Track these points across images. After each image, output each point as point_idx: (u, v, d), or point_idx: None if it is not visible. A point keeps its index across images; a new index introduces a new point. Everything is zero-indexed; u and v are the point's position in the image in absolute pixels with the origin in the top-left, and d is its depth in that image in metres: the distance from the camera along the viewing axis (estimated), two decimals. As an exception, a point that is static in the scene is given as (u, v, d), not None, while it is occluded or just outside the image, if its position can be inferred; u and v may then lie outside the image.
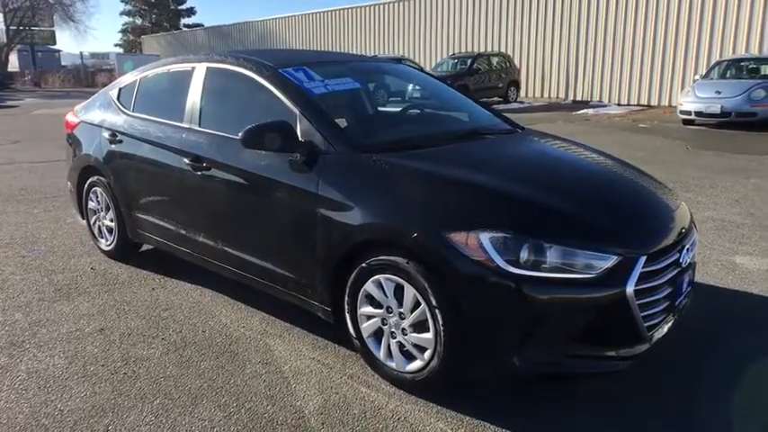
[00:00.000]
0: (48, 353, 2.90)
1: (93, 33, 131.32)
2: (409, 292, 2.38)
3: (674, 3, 16.84)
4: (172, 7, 54.02)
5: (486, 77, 18.71)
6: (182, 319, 3.29)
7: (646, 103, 17.67)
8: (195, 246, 3.44)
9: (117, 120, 3.98)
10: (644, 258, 2.25)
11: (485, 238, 2.18)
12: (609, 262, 2.18)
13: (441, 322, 2.28)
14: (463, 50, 21.86)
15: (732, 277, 3.81)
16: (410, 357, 2.48)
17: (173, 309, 3.42)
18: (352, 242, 2.53)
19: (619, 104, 18.06)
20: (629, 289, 2.18)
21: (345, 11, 27.41)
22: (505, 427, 2.26)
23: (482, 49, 21.43)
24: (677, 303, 2.50)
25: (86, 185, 4.31)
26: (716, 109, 11.44)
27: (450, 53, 21.32)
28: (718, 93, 11.55)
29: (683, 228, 2.57)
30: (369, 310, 2.58)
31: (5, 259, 4.33)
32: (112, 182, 3.99)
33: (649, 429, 2.25)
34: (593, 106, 17.71)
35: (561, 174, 2.77)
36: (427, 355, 2.39)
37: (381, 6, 25.60)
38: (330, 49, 28.25)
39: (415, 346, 2.43)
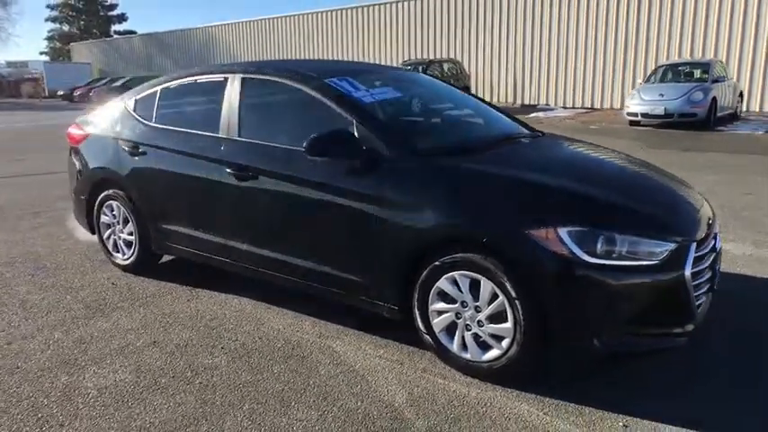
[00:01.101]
0: (108, 368, 2.86)
1: (15, 40, 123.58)
2: (486, 286, 2.54)
3: (612, 12, 17.87)
4: (101, 13, 51.97)
5: (437, 83, 19.16)
6: (232, 327, 3.31)
7: (590, 106, 18.64)
8: (237, 254, 3.46)
9: (137, 131, 3.94)
10: (695, 245, 2.52)
11: (563, 232, 2.38)
12: (668, 249, 2.43)
13: (521, 312, 2.46)
14: (415, 57, 22.26)
15: (723, 263, 4.19)
16: (486, 347, 2.64)
17: (218, 318, 3.43)
18: (425, 242, 2.67)
19: (564, 107, 18.97)
20: (687, 272, 2.44)
21: (294, 18, 27.35)
22: (584, 404, 2.46)
23: (433, 56, 21.91)
24: (714, 285, 2.78)
25: (99, 200, 4.22)
26: (660, 111, 12.28)
27: (403, 60, 21.66)
28: (662, 95, 12.40)
29: (710, 218, 2.87)
30: (441, 305, 2.72)
31: (15, 279, 4.17)
32: (134, 194, 3.94)
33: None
34: (542, 110, 18.51)
35: (608, 173, 3.02)
36: (505, 343, 2.56)
37: (331, 13, 25.74)
38: (279, 56, 28.07)
39: (492, 336, 2.60)
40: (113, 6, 52.55)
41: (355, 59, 24.25)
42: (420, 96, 3.67)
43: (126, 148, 3.94)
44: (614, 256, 2.37)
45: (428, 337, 2.81)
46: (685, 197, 2.93)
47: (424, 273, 2.71)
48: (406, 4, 23.17)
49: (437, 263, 2.66)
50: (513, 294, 2.46)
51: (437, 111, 3.69)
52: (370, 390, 2.63)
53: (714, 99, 12.23)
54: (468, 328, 2.67)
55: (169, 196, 3.77)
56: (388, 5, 23.76)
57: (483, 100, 4.11)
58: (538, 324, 2.45)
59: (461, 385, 2.65)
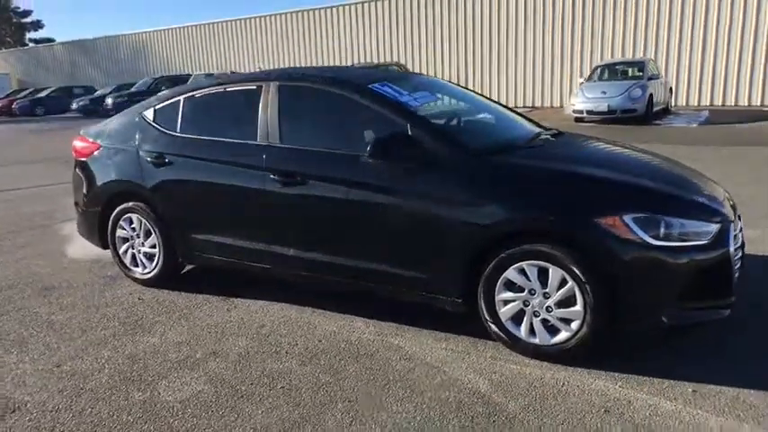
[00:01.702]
0: (179, 381, 2.83)
1: None
2: (555, 274, 2.73)
3: (548, 15, 18.76)
4: (15, 20, 48.82)
5: (384, 86, 19.40)
6: (286, 333, 3.33)
7: (531, 105, 19.47)
8: (282, 260, 3.48)
9: (161, 142, 3.86)
10: (732, 225, 2.81)
11: (629, 219, 2.60)
12: (714, 229, 2.71)
13: (591, 295, 2.66)
14: (361, 61, 22.42)
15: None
16: (554, 331, 2.82)
17: (268, 326, 3.43)
18: (493, 236, 2.83)
19: (506, 107, 19.68)
20: (731, 248, 2.73)
21: (235, 22, 26.84)
22: (651, 376, 2.69)
23: (377, 60, 22.16)
24: (742, 261, 3.10)
25: (115, 213, 4.09)
26: (604, 107, 13.04)
27: (351, 64, 21.76)
28: (604, 93, 13.18)
29: (732, 202, 3.20)
30: (508, 295, 2.88)
31: (27, 301, 3.97)
32: (160, 205, 3.86)
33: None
34: (487, 109, 19.14)
35: (645, 165, 3.29)
36: (575, 325, 2.75)
37: (274, 18, 25.47)
38: (218, 63, 27.45)
39: (561, 319, 2.79)
40: (27, 13, 49.56)
41: (302, 64, 24.15)
42: (454, 99, 3.82)
43: (149, 159, 3.86)
44: (673, 238, 2.62)
45: (494, 326, 2.96)
46: (712, 184, 3.23)
47: (491, 265, 2.86)
48: (351, 8, 23.31)
49: (504, 255, 2.82)
50: (583, 279, 2.66)
51: (469, 112, 3.85)
52: (450, 379, 2.75)
53: (651, 95, 13.14)
54: (536, 314, 2.85)
55: (201, 205, 3.72)
56: (333, 9, 23.82)
57: (492, 100, 4.32)
58: (608, 305, 2.66)
59: (534, 369, 2.82)
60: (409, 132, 3.01)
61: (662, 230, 2.60)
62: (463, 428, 2.37)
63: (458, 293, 3.00)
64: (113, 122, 4.28)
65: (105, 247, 4.31)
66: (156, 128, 3.94)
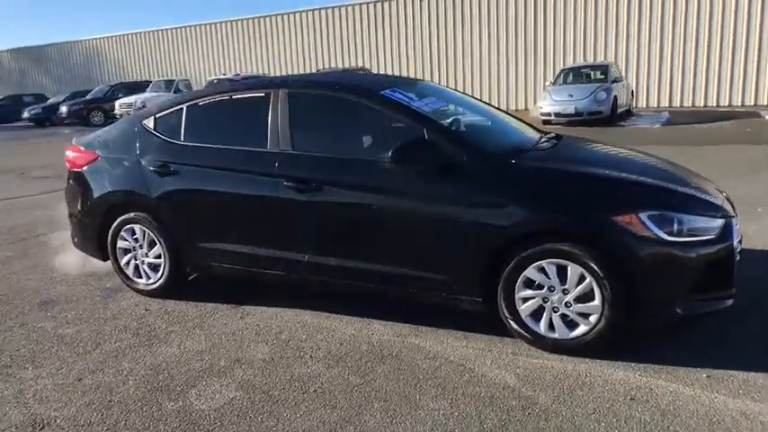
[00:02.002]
0: (209, 389, 2.83)
1: None
2: (575, 271, 2.86)
3: (511, 21, 19.21)
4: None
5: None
6: (305, 338, 3.36)
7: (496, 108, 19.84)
8: (296, 266, 3.50)
9: (165, 150, 3.83)
10: (734, 220, 3.01)
11: (644, 216, 2.75)
12: (720, 224, 2.89)
13: (609, 289, 2.80)
14: (323, 67, 22.41)
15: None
16: (573, 326, 2.95)
17: (286, 331, 3.45)
18: (513, 236, 2.94)
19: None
20: (735, 242, 2.92)
21: (193, 28, 26.42)
22: (666, 364, 2.85)
23: (341, 66, 22.20)
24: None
25: (116, 224, 4.03)
26: (571, 110, 13.45)
27: (316, 69, 21.72)
28: (571, 96, 13.60)
29: (729, 199, 3.40)
30: (528, 292, 3.00)
31: (28, 315, 3.87)
32: (165, 215, 3.83)
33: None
34: (454, 113, 19.45)
35: (651, 166, 3.45)
36: (593, 319, 2.89)
37: (232, 24, 25.21)
38: (176, 69, 26.98)
39: (580, 314, 2.92)
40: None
41: (264, 70, 23.98)
42: (454, 104, 3.93)
43: (152, 169, 3.82)
44: (684, 233, 2.79)
45: (514, 323, 3.07)
46: (708, 182, 3.43)
47: (511, 264, 2.97)
48: (314, 13, 23.30)
49: (524, 254, 2.93)
50: (602, 275, 2.79)
51: (473, 116, 3.96)
52: (477, 376, 2.84)
53: (615, 98, 13.63)
54: (555, 310, 2.97)
55: (210, 214, 3.71)
56: (294, 15, 23.75)
57: (487, 104, 4.45)
58: (624, 299, 2.80)
59: (555, 362, 2.94)
60: (429, 137, 3.10)
61: (675, 227, 2.76)
62: (502, 422, 2.46)
63: (478, 293, 3.10)
64: (110, 132, 4.22)
65: (105, 258, 4.24)
66: (159, 137, 3.91)
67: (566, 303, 2.93)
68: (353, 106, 3.38)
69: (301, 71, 23.60)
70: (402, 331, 3.37)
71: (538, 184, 2.98)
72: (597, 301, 2.85)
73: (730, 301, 2.99)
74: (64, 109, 23.02)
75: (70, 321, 3.76)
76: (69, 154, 4.27)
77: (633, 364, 2.87)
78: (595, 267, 2.80)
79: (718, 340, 3.09)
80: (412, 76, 21.21)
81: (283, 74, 23.70)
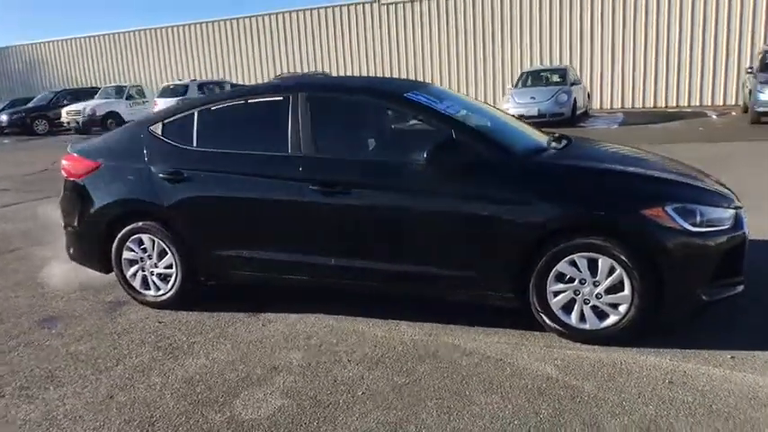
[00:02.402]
0: (254, 398, 2.78)
1: None
2: (605, 263, 2.98)
3: (469, 26, 19.63)
4: None
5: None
6: (336, 341, 3.34)
7: (456, 111, 20.22)
8: (322, 270, 3.48)
9: (176, 157, 3.74)
10: (742, 210, 3.20)
11: (670, 209, 2.90)
12: (732, 215, 3.08)
13: (638, 279, 2.93)
14: (282, 72, 22.22)
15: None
16: (603, 316, 3.07)
17: (314, 336, 3.42)
18: (546, 232, 3.03)
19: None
20: (746, 230, 3.11)
21: (145, 32, 25.65)
22: (693, 348, 3.00)
23: (300, 70, 22.08)
24: None
25: (121, 235, 3.89)
26: (534, 112, 13.85)
27: (276, 74, 21.51)
28: (533, 98, 14.01)
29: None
30: (560, 286, 3.09)
31: (30, 334, 3.68)
32: (178, 223, 3.73)
33: (766, 328, 3.21)
34: (415, 117, 19.69)
35: (662, 163, 3.61)
36: (623, 308, 3.01)
37: (188, 28, 24.64)
38: (125, 74, 26.13)
39: (610, 305, 3.03)
40: None
41: (220, 75, 23.55)
42: (466, 107, 4.00)
43: (164, 176, 3.72)
44: (704, 224, 2.95)
45: (545, 316, 3.16)
46: (710, 176, 3.63)
47: (543, 259, 3.06)
48: (270, 17, 23.09)
49: (556, 249, 3.03)
50: (631, 266, 2.92)
51: (486, 118, 4.03)
52: (519, 369, 2.91)
53: (575, 100, 14.13)
54: (586, 302, 3.08)
55: (229, 220, 3.64)
56: (249, 19, 23.46)
57: (492, 107, 4.56)
58: (653, 288, 2.94)
59: (589, 352, 3.04)
60: (459, 138, 3.16)
61: (698, 218, 2.92)
62: (556, 411, 2.54)
63: (509, 289, 3.17)
64: (112, 139, 4.08)
65: (108, 271, 4.10)
66: (169, 143, 3.80)
67: (596, 295, 3.05)
68: (377, 109, 3.41)
69: (259, 76, 23.33)
70: (432, 330, 3.41)
71: (567, 180, 3.09)
72: (627, 291, 2.97)
73: (741, 287, 3.17)
74: (4, 118, 21.89)
75: (80, 338, 3.60)
76: (66, 163, 4.10)
77: (661, 350, 3.00)
78: (625, 259, 2.92)
79: (729, 325, 3.27)
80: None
81: (240, 79, 23.36)
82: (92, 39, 27.26)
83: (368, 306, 3.70)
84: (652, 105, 17.62)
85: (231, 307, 3.91)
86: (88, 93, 22.91)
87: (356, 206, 3.33)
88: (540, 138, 3.82)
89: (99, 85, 24.46)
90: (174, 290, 3.88)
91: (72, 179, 4.05)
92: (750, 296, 3.35)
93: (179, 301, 3.91)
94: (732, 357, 2.91)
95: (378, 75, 21.51)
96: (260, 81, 22.74)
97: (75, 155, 4.08)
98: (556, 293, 3.11)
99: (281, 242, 3.57)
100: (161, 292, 3.93)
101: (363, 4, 22.09)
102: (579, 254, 3.01)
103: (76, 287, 4.50)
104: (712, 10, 16.65)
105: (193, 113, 3.82)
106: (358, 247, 3.41)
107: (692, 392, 2.62)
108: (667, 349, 3.01)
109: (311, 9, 22.87)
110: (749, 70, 13.29)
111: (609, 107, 18.12)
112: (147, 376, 3.07)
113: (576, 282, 3.07)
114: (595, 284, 3.03)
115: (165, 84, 21.32)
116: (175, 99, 19.61)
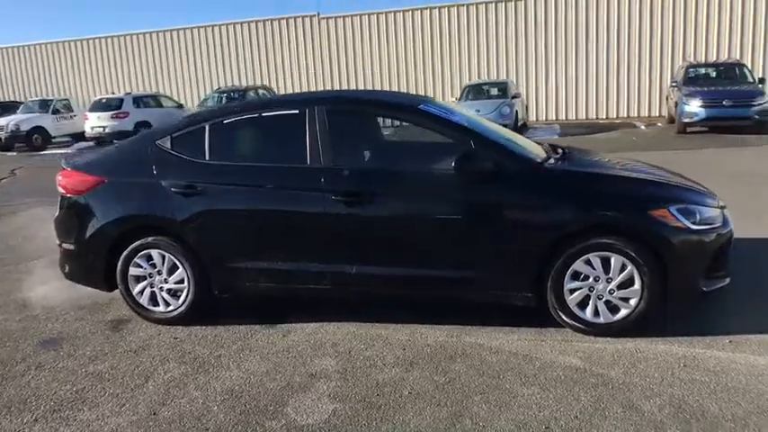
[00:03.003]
0: (306, 404, 2.84)
1: None
2: (617, 261, 3.26)
3: (410, 37, 20.15)
4: None
5: (256, 110, 19.21)
6: (364, 347, 3.43)
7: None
8: (342, 278, 3.57)
9: (189, 171, 3.72)
10: (726, 209, 3.59)
11: (674, 210, 3.23)
12: (720, 214, 3.45)
13: (647, 274, 3.23)
14: (220, 85, 21.79)
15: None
16: (615, 310, 3.35)
17: (339, 344, 3.49)
18: (564, 233, 3.28)
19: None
20: (732, 227, 3.50)
21: (71, 44, 24.34)
22: (694, 335, 3.32)
23: (239, 83, 21.79)
24: None
25: (129, 251, 3.81)
26: (480, 123, 14.39)
27: (215, 87, 21.07)
28: (478, 111, 14.45)
29: None
30: (576, 284, 3.35)
31: (37, 356, 3.53)
32: (192, 237, 3.71)
33: (749, 314, 3.60)
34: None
35: (652, 168, 3.95)
36: (633, 302, 3.30)
37: (117, 39, 23.73)
38: (51, 87, 24.76)
39: (622, 299, 3.32)
40: None
41: (152, 88, 22.82)
42: (467, 119, 4.21)
43: (176, 190, 3.69)
44: (702, 222, 3.30)
45: (562, 313, 3.40)
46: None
47: (561, 259, 3.31)
48: (205, 30, 22.66)
49: (573, 250, 3.28)
50: (641, 262, 3.22)
51: (489, 130, 4.26)
52: (547, 362, 3.13)
53: (516, 112, 14.82)
54: (599, 297, 3.34)
55: (245, 233, 3.67)
56: (186, 31, 22.92)
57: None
58: (660, 281, 3.25)
59: (605, 344, 3.31)
60: (480, 148, 3.36)
61: (697, 217, 3.27)
62: (594, 397, 2.76)
63: (530, 288, 3.40)
64: (115, 153, 4.01)
65: (111, 289, 3.99)
66: (180, 156, 3.78)
67: (609, 291, 3.32)
68: (394, 121, 3.56)
69: (196, 89, 22.81)
70: (452, 332, 3.57)
71: (582, 186, 3.37)
72: (637, 286, 3.27)
73: (728, 279, 3.55)
74: None
75: (94, 358, 3.50)
76: (64, 179, 3.97)
77: (668, 339, 3.32)
78: (635, 256, 3.22)
79: (721, 312, 3.64)
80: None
81: (177, 93, 22.75)
82: (13, 50, 25.65)
83: (379, 313, 3.80)
84: (584, 117, 18.72)
85: (243, 320, 3.91)
86: (7, 107, 21.53)
87: (381, 215, 3.46)
88: (537, 147, 4.10)
89: (21, 100, 23.05)
90: (185, 305, 3.84)
91: (72, 195, 3.92)
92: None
93: (189, 317, 3.87)
94: (730, 342, 3.26)
95: (318, 89, 21.61)
96: (197, 95, 22.29)
97: (74, 171, 3.96)
98: (572, 291, 3.36)
99: (301, 252, 3.63)
100: (170, 308, 3.87)
101: (303, 17, 22.14)
102: (594, 253, 3.28)
103: (66, 307, 4.34)
104: (636, 29, 18.00)
105: (204, 127, 3.82)
106: (383, 254, 3.53)
107: (706, 373, 2.92)
108: (672, 337, 3.33)
109: (249, 22, 22.64)
110: (673, 84, 14.46)
111: (544, 119, 19.09)
112: (184, 390, 3.04)
113: (591, 279, 3.33)
114: (608, 281, 3.31)
115: (97, 97, 20.44)
116: (109, 113, 18.99)
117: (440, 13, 20.03)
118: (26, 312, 4.31)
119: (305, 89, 21.60)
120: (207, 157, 3.76)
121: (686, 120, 13.00)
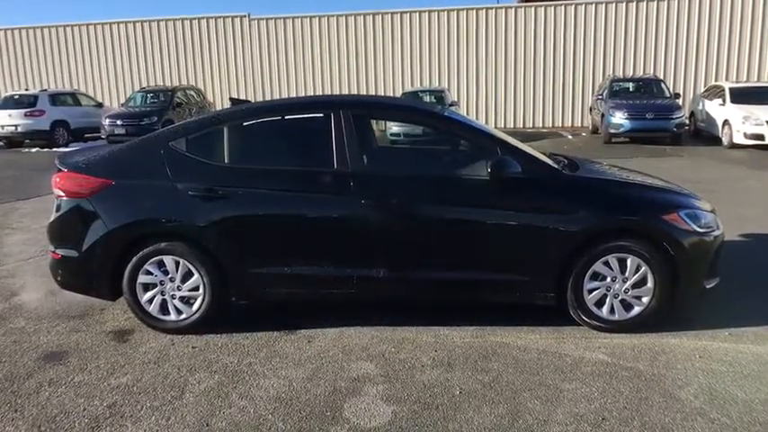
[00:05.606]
0: (361, 408, 2.84)
1: None
2: (633, 261, 3.52)
3: (343, 42, 20.24)
4: None
5: (187, 111, 18.44)
6: (395, 351, 3.46)
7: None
8: (368, 283, 3.59)
9: (207, 174, 3.60)
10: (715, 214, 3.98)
11: (683, 214, 3.54)
12: (714, 218, 3.82)
13: (660, 274, 3.51)
14: (148, 84, 20.79)
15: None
16: (629, 308, 3.60)
17: (370, 347, 3.49)
18: (586, 236, 3.49)
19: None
20: (722, 231, 3.88)
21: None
22: (695, 329, 3.64)
23: (163, 82, 20.89)
24: None
25: (138, 257, 3.61)
26: (419, 131, 14.62)
27: (140, 87, 20.04)
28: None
29: None
30: (594, 284, 3.58)
31: (46, 372, 3.27)
32: (212, 242, 3.58)
33: (733, 309, 4.00)
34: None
35: (649, 177, 4.27)
36: (645, 300, 3.58)
37: (32, 31, 22.04)
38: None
39: (635, 297, 3.58)
40: None
41: (77, 86, 21.37)
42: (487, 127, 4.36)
43: (194, 194, 3.55)
44: (705, 226, 3.64)
45: (580, 311, 3.62)
46: None
47: (582, 261, 3.52)
48: (126, 25, 21.56)
49: (594, 251, 3.51)
50: (654, 262, 3.50)
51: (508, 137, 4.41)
52: (576, 358, 3.32)
53: (456, 120, 15.28)
54: (616, 296, 3.59)
55: (269, 238, 3.60)
56: (104, 26, 21.69)
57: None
58: (670, 281, 3.54)
59: (623, 339, 3.55)
60: (507, 153, 3.51)
61: (702, 221, 3.60)
62: (634, 389, 2.97)
63: (552, 289, 3.59)
64: (122, 154, 3.78)
65: (115, 298, 3.78)
66: (197, 159, 3.64)
67: (624, 290, 3.58)
68: (421, 126, 3.63)
69: (114, 87, 21.66)
70: (476, 333, 3.68)
71: (602, 192, 3.61)
72: (650, 285, 3.54)
73: (718, 278, 3.92)
74: None
75: (112, 371, 3.29)
76: (63, 181, 3.69)
77: (676, 333, 3.61)
78: (649, 257, 3.49)
79: (713, 308, 4.01)
80: (243, 95, 20.95)
81: (96, 91, 21.45)
82: None
83: (392, 316, 3.86)
84: (512, 126, 19.63)
85: (257, 326, 3.81)
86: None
87: (412, 220, 3.52)
88: (543, 155, 4.33)
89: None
90: (199, 313, 3.69)
91: (73, 198, 3.66)
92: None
93: (202, 325, 3.72)
94: (730, 334, 3.60)
95: (247, 91, 21.16)
96: (121, 93, 21.18)
97: (74, 172, 3.70)
98: (590, 291, 3.59)
99: (328, 257, 3.61)
100: (183, 317, 3.71)
101: (233, 18, 21.62)
102: (612, 255, 3.52)
103: (53, 318, 4.05)
104: (560, 42, 19.17)
105: (222, 129, 3.71)
106: (412, 259, 3.59)
107: (722, 363, 3.23)
108: (679, 332, 3.63)
109: (175, 19, 21.80)
110: (599, 96, 15.51)
111: (477, 127, 19.84)
112: (228, 400, 2.94)
113: (608, 279, 3.57)
114: (624, 281, 3.56)
115: (8, 93, 18.85)
116: (21, 111, 17.51)
117: (373, 19, 20.33)
118: (8, 325, 3.96)
119: (233, 91, 21.10)
120: (227, 160, 3.66)
121: (612, 131, 14.01)
